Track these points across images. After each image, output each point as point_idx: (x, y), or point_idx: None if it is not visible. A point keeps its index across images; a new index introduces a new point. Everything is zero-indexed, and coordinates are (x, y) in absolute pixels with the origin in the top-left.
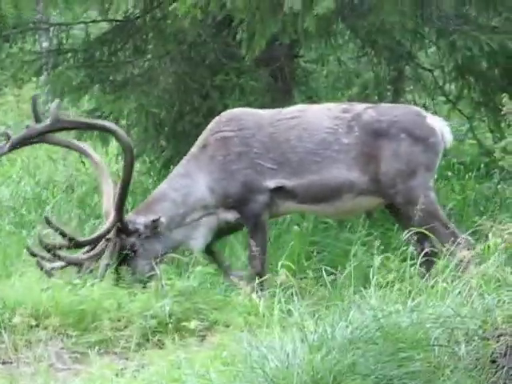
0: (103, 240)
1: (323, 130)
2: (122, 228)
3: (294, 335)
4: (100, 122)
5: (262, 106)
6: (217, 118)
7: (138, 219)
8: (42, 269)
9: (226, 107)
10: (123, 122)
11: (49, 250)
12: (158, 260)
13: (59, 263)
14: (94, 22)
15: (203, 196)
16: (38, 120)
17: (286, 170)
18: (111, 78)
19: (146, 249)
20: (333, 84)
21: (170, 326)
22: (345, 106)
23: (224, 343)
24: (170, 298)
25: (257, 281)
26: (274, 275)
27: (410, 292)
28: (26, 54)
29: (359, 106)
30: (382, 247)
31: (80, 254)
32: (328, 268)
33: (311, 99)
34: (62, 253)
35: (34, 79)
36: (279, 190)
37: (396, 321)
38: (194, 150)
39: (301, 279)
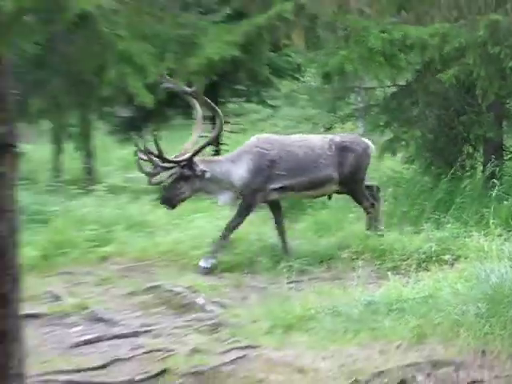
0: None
1: (318, 148)
2: (189, 163)
3: (506, 263)
4: (217, 110)
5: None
6: (255, 137)
7: (199, 164)
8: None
9: (468, 135)
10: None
11: (146, 152)
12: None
13: (145, 157)
14: (388, 86)
15: (234, 179)
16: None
17: (292, 173)
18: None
19: (193, 181)
20: None
21: (433, 258)
22: (323, 135)
23: (465, 268)
24: (433, 242)
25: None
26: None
27: None
28: (349, 105)
29: (330, 135)
30: None
31: (159, 163)
32: None
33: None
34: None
35: (352, 120)
36: (284, 187)
37: None
38: (240, 151)
39: (508, 231)
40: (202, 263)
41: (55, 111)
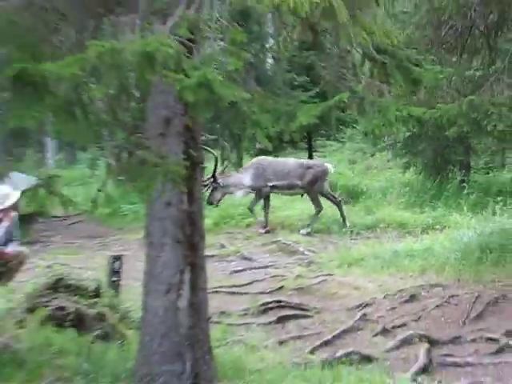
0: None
1: (292, 166)
2: (214, 179)
3: (471, 231)
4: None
5: None
6: (256, 159)
7: (220, 179)
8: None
9: (451, 159)
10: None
11: None
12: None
13: None
14: (406, 131)
15: (245, 183)
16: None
17: (278, 179)
18: (412, 150)
19: (219, 189)
20: None
21: (430, 227)
22: (297, 159)
23: (448, 233)
24: (430, 218)
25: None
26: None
27: None
28: (384, 142)
29: (302, 159)
30: None
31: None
32: None
33: None
34: None
35: (385, 150)
36: (273, 186)
37: None
38: (246, 166)
39: (473, 213)
40: (302, 231)
41: (220, 145)
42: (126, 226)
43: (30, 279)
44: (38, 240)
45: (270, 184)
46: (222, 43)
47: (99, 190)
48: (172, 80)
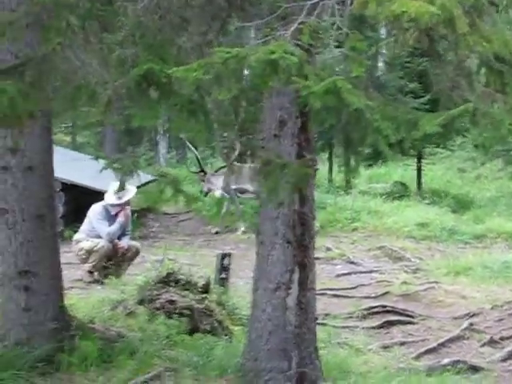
0: None
1: None
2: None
3: None
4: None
5: None
6: None
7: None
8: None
9: None
10: None
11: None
12: None
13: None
14: None
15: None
16: None
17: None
18: None
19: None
20: None
21: None
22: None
23: None
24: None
25: None
26: None
27: None
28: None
29: None
30: None
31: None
32: None
33: None
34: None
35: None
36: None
37: None
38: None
39: None
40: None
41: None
42: (232, 224)
43: (141, 272)
44: (148, 235)
45: (235, 187)
46: (342, 49)
47: None
48: (300, 86)
